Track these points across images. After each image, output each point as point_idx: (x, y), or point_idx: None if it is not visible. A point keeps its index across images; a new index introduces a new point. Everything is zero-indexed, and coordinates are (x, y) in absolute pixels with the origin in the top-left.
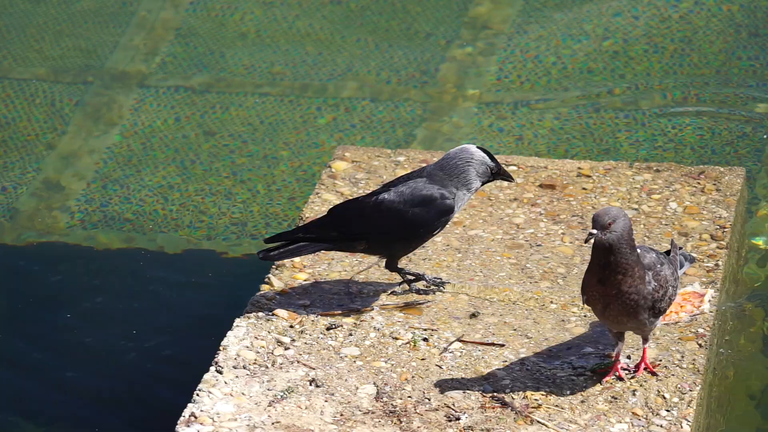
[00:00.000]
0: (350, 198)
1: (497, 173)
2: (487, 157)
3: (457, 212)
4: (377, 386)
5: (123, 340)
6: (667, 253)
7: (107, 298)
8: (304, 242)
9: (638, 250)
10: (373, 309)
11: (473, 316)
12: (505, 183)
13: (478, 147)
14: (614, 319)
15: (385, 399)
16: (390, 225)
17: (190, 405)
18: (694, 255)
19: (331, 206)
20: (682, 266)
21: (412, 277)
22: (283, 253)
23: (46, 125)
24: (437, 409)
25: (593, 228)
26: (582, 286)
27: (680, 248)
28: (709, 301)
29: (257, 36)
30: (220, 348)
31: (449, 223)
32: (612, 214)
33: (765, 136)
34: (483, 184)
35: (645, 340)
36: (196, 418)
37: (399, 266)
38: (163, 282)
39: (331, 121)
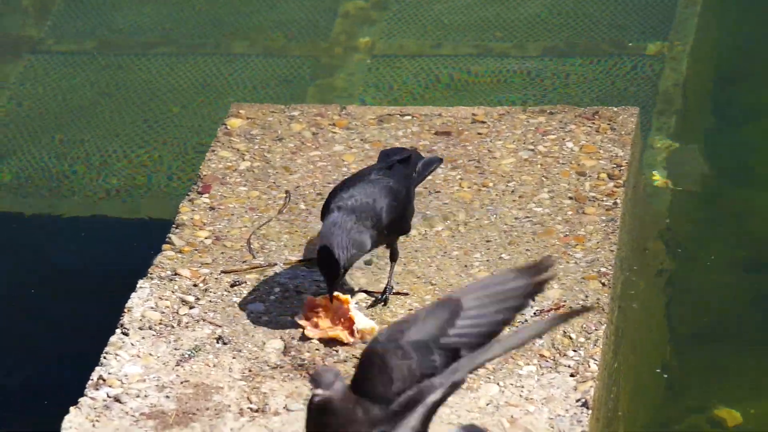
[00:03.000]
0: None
1: None
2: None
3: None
4: (284, 341)
5: (24, 309)
6: None
7: (4, 264)
8: None
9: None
10: (276, 264)
11: (368, 263)
12: (400, 132)
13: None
14: None
15: (293, 353)
16: None
17: (97, 368)
18: None
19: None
20: None
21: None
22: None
23: None
24: (345, 361)
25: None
26: None
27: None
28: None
29: None
30: (125, 310)
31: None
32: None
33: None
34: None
35: None
36: (104, 380)
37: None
38: (63, 248)
39: (225, 79)
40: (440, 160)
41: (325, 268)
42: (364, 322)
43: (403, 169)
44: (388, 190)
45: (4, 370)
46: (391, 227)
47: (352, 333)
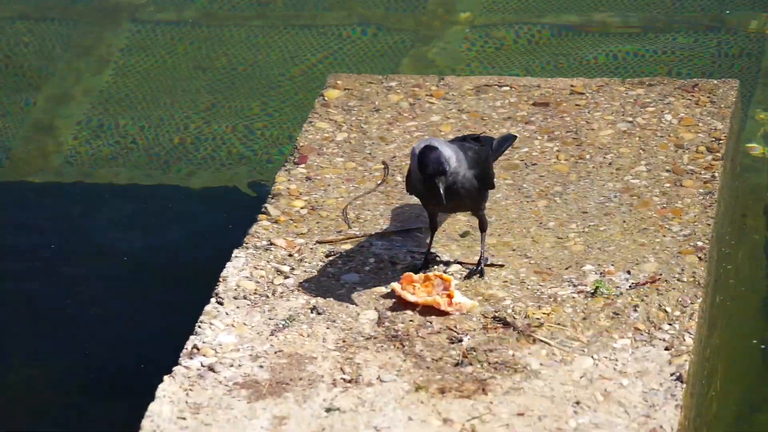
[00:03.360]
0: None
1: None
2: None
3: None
4: (378, 311)
5: (121, 275)
6: None
7: (103, 234)
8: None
9: None
10: (371, 234)
11: (464, 235)
12: (498, 102)
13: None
14: None
15: (386, 324)
16: None
17: (192, 337)
18: None
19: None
20: None
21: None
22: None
23: (34, 65)
24: (439, 332)
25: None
26: None
27: None
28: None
29: None
30: (220, 279)
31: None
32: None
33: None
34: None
35: None
36: (198, 350)
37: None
38: (159, 216)
39: (322, 50)
40: (515, 137)
41: (431, 165)
42: (464, 299)
43: (473, 143)
44: (471, 149)
45: (100, 337)
46: (479, 178)
47: (450, 304)
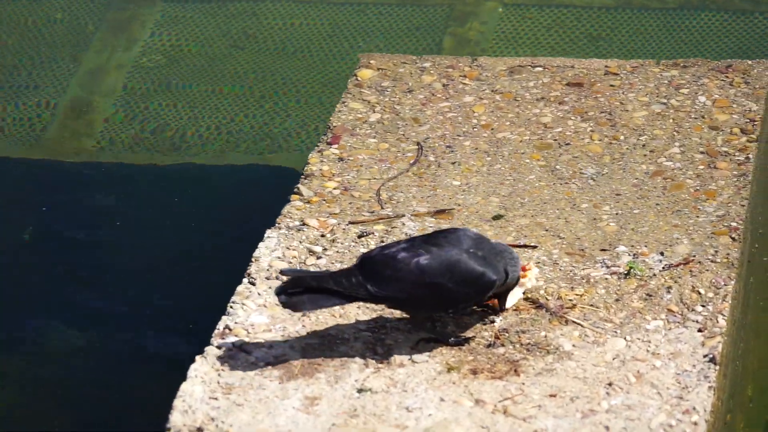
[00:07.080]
0: (381, 245)
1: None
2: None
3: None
4: None
5: (153, 256)
6: None
7: (135, 214)
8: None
9: None
10: (404, 215)
11: (496, 218)
12: (531, 83)
13: None
14: None
15: None
16: (428, 296)
17: (224, 317)
18: None
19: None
20: None
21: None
22: (305, 303)
23: (69, 42)
24: (471, 314)
25: None
26: None
27: None
28: (536, 278)
29: None
30: (252, 259)
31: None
32: None
33: None
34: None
35: None
36: (230, 330)
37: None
38: (191, 197)
39: (356, 29)
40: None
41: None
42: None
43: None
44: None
45: (132, 317)
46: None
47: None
